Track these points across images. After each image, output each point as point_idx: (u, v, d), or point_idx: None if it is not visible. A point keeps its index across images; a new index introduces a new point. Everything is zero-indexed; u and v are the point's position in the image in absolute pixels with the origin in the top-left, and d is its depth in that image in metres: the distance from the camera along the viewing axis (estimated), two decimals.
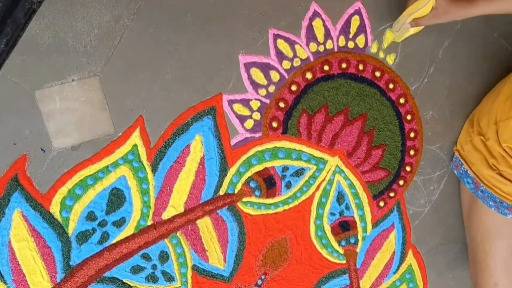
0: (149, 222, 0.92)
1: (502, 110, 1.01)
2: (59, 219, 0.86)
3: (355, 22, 1.01)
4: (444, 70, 1.10)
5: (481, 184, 1.05)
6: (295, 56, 0.98)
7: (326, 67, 1.01)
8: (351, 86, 1.03)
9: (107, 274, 0.91)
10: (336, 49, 1.01)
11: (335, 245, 1.08)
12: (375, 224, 1.10)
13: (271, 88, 0.98)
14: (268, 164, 1.00)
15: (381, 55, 1.05)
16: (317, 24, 0.99)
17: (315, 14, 0.98)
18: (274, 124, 0.99)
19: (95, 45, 0.84)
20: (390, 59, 1.06)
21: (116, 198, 0.89)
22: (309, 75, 1.00)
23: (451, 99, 1.13)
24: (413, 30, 1.01)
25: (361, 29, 1.02)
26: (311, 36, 0.99)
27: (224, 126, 0.95)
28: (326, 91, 1.02)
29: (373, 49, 1.04)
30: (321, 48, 1.00)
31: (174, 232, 0.94)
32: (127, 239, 0.91)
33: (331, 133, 1.03)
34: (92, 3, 0.83)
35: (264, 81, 0.97)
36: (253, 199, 0.99)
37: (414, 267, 1.17)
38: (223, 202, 0.97)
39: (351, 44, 1.02)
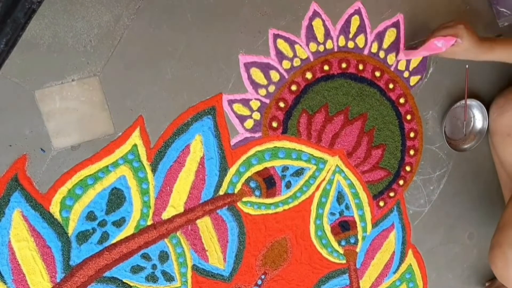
0: (149, 222, 0.92)
1: None
2: (59, 219, 0.86)
3: (355, 22, 1.01)
4: (444, 70, 1.10)
5: None
6: (295, 56, 0.98)
7: (326, 67, 1.01)
8: (351, 86, 1.03)
9: (107, 274, 0.91)
10: (336, 49, 1.01)
11: (335, 245, 1.08)
12: (375, 224, 1.10)
13: (271, 88, 0.98)
14: (268, 164, 1.00)
15: (381, 55, 1.05)
16: (317, 24, 0.99)
17: (315, 14, 0.98)
18: (274, 124, 0.99)
19: (95, 45, 0.84)
20: (390, 59, 1.06)
21: (116, 198, 0.89)
22: (309, 75, 1.00)
23: (451, 99, 1.13)
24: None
25: (361, 29, 1.02)
26: (311, 36, 0.99)
27: (224, 126, 0.95)
28: (326, 91, 1.02)
29: (373, 49, 1.04)
30: (321, 48, 1.00)
31: (174, 232, 0.94)
32: (127, 239, 0.91)
33: (331, 133, 1.03)
34: (92, 3, 0.83)
35: (264, 81, 0.97)
36: (253, 199, 0.99)
37: (414, 267, 1.17)
38: (223, 202, 0.97)
39: (351, 44, 1.02)
